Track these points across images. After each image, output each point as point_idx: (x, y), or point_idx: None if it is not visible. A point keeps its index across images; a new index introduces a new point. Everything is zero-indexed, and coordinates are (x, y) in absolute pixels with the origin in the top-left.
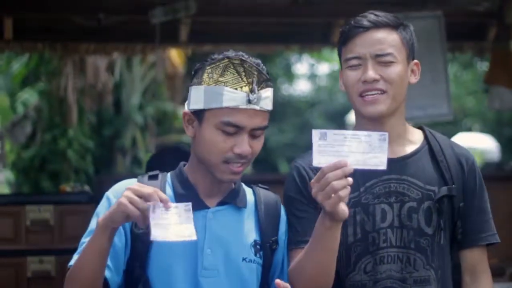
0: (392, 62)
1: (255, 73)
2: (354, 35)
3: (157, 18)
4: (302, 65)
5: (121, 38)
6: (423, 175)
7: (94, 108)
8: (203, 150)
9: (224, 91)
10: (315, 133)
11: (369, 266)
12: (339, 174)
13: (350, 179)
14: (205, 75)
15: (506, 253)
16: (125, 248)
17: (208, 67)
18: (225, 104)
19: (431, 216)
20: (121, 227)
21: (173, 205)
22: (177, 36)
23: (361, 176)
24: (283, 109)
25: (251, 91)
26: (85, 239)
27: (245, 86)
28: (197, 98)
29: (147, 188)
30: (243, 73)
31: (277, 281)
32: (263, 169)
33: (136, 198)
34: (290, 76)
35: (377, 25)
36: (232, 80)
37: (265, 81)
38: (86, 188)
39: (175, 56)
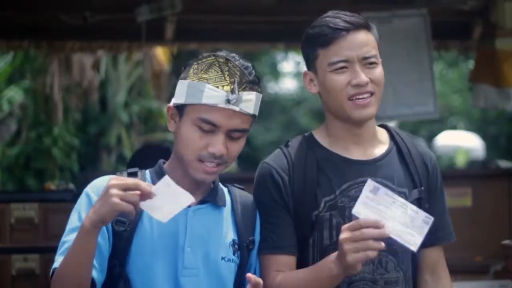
0: (375, 63)
1: (238, 73)
2: (336, 38)
3: (143, 16)
4: (288, 63)
5: (107, 36)
6: (395, 177)
7: (79, 106)
8: (180, 145)
9: (205, 88)
10: (369, 184)
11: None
12: (376, 234)
13: (383, 244)
14: (191, 70)
15: (490, 251)
16: (108, 246)
17: (195, 63)
18: (204, 101)
19: None
20: (104, 227)
21: (155, 187)
22: (162, 34)
23: (336, 179)
24: (269, 107)
25: (232, 91)
26: (66, 238)
27: (227, 85)
28: (180, 92)
29: (129, 180)
30: (227, 73)
31: (249, 275)
32: (249, 168)
33: (124, 193)
34: (276, 74)
35: (356, 27)
36: (215, 78)
37: (249, 83)
38: (71, 186)
39: (161, 54)
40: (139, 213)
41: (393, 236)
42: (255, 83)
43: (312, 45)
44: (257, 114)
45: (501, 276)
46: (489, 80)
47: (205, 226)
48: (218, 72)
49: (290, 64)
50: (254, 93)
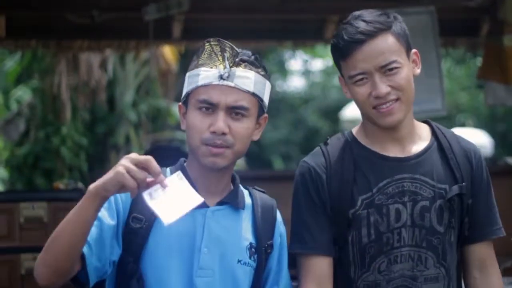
0: (396, 68)
1: (228, 50)
2: (351, 51)
3: (150, 15)
4: (295, 61)
5: (115, 35)
6: (434, 174)
7: (87, 105)
8: (188, 135)
9: (200, 72)
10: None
11: (383, 265)
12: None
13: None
14: (191, 64)
15: (499, 248)
16: (116, 238)
17: (194, 56)
18: (200, 83)
19: (442, 215)
20: (115, 215)
21: (167, 180)
22: (170, 33)
23: (373, 177)
24: (277, 105)
25: (224, 67)
26: None
27: (219, 64)
28: (184, 86)
29: (142, 156)
30: (219, 53)
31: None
32: (257, 166)
33: (133, 167)
34: (283, 73)
35: (371, 35)
36: (209, 60)
37: (244, 61)
38: (80, 185)
39: (168, 53)
40: None
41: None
42: (253, 64)
43: (334, 55)
44: (263, 97)
45: (510, 273)
46: (497, 77)
47: (223, 227)
48: (211, 55)
49: (298, 62)
50: (253, 72)
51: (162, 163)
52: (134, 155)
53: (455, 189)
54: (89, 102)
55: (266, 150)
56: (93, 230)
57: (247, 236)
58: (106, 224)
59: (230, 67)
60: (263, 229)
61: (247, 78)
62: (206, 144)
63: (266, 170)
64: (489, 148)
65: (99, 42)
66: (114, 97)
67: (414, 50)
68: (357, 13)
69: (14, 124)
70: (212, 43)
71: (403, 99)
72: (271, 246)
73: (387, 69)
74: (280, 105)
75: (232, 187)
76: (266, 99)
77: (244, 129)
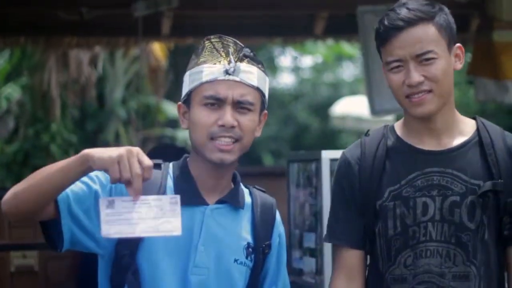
0: (433, 58)
1: (232, 45)
2: (390, 37)
3: (140, 12)
4: (285, 58)
5: (104, 32)
6: (469, 169)
7: (77, 102)
8: (193, 132)
9: (203, 68)
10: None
11: (409, 260)
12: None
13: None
14: (191, 62)
15: None
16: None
17: (193, 54)
18: (204, 79)
19: (474, 211)
20: (103, 192)
21: (152, 198)
22: (159, 29)
23: (403, 169)
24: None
25: (229, 62)
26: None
27: (223, 59)
28: (184, 85)
29: (149, 162)
30: (221, 49)
31: None
32: (247, 162)
33: (136, 163)
34: (273, 69)
35: (411, 23)
36: (211, 57)
37: (246, 56)
38: None
39: (158, 49)
40: None
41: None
42: (254, 59)
43: (376, 41)
44: (265, 92)
45: None
46: (487, 72)
47: (221, 226)
48: (213, 51)
49: (288, 58)
50: (255, 68)
51: (167, 161)
52: (143, 155)
53: (488, 185)
54: (78, 99)
55: (256, 146)
56: (80, 193)
57: (245, 235)
58: (93, 194)
59: (235, 62)
60: (261, 229)
61: (251, 73)
62: (213, 139)
63: (256, 166)
64: None
65: (89, 39)
66: (103, 94)
67: (458, 44)
68: (403, 0)
69: (3, 121)
70: (212, 40)
71: (436, 92)
72: (269, 246)
73: (423, 59)
74: (269, 101)
75: (232, 185)
76: (267, 95)
77: (251, 122)
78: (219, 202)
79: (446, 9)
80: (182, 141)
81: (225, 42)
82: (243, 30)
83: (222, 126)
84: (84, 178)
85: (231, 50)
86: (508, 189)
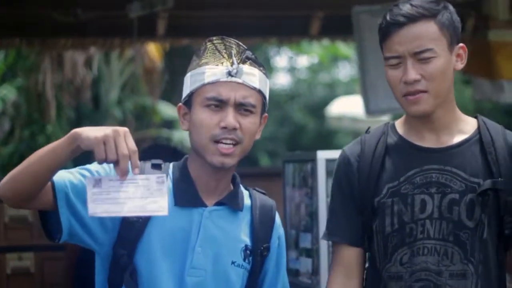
0: (431, 57)
1: (234, 47)
2: (390, 32)
3: (134, 12)
4: (281, 58)
5: (99, 33)
6: (468, 167)
7: (72, 104)
8: (194, 134)
9: (205, 70)
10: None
11: (406, 257)
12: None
13: None
14: (192, 64)
15: None
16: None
17: (194, 55)
18: (206, 81)
19: (473, 209)
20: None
21: (140, 177)
22: (154, 30)
23: (402, 166)
24: None
25: (231, 64)
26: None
27: (226, 61)
28: (185, 87)
29: (133, 144)
30: (224, 50)
31: None
32: (243, 163)
33: (123, 143)
34: (269, 69)
35: (413, 19)
36: (213, 58)
37: (248, 59)
38: None
39: (153, 50)
40: None
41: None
42: (256, 62)
43: (379, 37)
44: (266, 95)
45: None
46: (482, 72)
47: (219, 228)
48: (215, 53)
49: (283, 58)
50: (257, 70)
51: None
52: (129, 136)
53: (488, 183)
54: (74, 100)
55: (252, 147)
56: (78, 185)
57: (243, 238)
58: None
59: (238, 63)
60: (260, 231)
61: (253, 75)
62: (215, 142)
63: (252, 167)
64: None
65: (84, 40)
66: (99, 95)
67: (461, 44)
68: None
69: None
70: (214, 41)
71: (432, 92)
72: (268, 248)
73: (421, 57)
74: None
75: (232, 187)
76: (267, 97)
77: (252, 125)
78: (218, 204)
79: (451, 8)
80: (178, 142)
81: (227, 44)
82: (239, 30)
83: (224, 128)
84: (83, 171)
85: (233, 51)
86: (508, 187)
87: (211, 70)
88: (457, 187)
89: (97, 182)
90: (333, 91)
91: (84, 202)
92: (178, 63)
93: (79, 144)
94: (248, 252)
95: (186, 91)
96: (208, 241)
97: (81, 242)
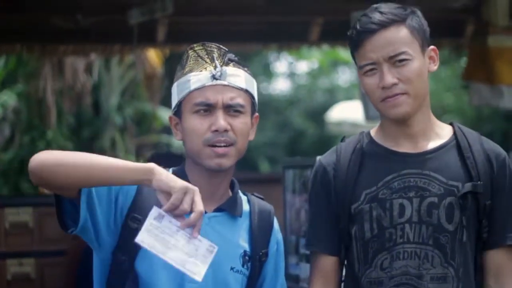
0: (406, 60)
1: (216, 50)
2: (363, 40)
3: (135, 19)
4: (281, 64)
5: (99, 39)
6: (446, 171)
7: (73, 110)
8: (187, 142)
9: (190, 77)
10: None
11: (386, 262)
12: None
13: None
14: (177, 74)
15: None
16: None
17: (179, 65)
18: (192, 87)
19: (453, 213)
20: (118, 211)
21: (198, 236)
22: (154, 36)
23: (379, 172)
24: (262, 108)
25: (215, 67)
26: None
27: (209, 65)
28: (173, 97)
29: (201, 207)
30: (206, 55)
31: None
32: (243, 168)
33: (200, 200)
34: (269, 75)
35: (383, 25)
36: (197, 64)
37: (231, 60)
38: None
39: (153, 56)
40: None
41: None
42: (240, 63)
43: (349, 46)
44: (254, 94)
45: None
46: (482, 77)
47: (218, 234)
48: (198, 59)
49: (283, 64)
50: (242, 71)
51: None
52: (199, 196)
53: (468, 186)
54: (74, 106)
55: (252, 152)
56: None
57: (242, 244)
58: (112, 191)
59: (221, 66)
60: (258, 237)
61: (238, 76)
62: (209, 146)
63: (251, 172)
64: None
65: (84, 46)
66: (99, 101)
67: (432, 47)
68: (375, 5)
69: None
70: (196, 48)
71: (411, 94)
72: (266, 254)
73: (396, 60)
74: (265, 107)
75: (230, 193)
76: (256, 97)
77: (244, 125)
78: (217, 210)
79: (418, 12)
80: (178, 147)
81: (208, 49)
82: (238, 36)
83: (216, 131)
84: None
85: (215, 55)
86: (486, 191)
87: (196, 76)
88: (435, 191)
89: (160, 216)
90: (333, 96)
91: (102, 204)
92: None
93: (151, 180)
94: (246, 258)
95: (174, 101)
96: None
97: (88, 238)
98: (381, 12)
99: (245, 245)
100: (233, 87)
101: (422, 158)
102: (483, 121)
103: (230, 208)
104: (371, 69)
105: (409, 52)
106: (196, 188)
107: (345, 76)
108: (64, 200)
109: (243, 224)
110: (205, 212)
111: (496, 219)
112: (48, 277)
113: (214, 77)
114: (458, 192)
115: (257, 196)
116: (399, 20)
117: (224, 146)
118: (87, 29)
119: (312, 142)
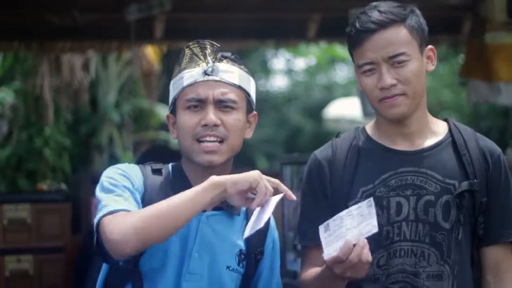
0: (405, 61)
1: (209, 47)
2: (362, 40)
3: (132, 15)
4: (278, 61)
5: (97, 36)
6: (443, 168)
7: (70, 106)
8: (180, 138)
9: (184, 74)
10: (321, 229)
11: (382, 260)
12: (358, 251)
13: (367, 251)
14: (174, 72)
15: None
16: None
17: (176, 64)
18: (185, 83)
19: (449, 211)
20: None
21: (353, 208)
22: (152, 33)
23: (376, 169)
24: (260, 105)
25: (207, 63)
26: (114, 199)
27: (202, 62)
28: (170, 95)
29: (274, 179)
30: (200, 52)
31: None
32: (241, 165)
33: (266, 181)
34: (266, 72)
35: (383, 25)
36: (191, 62)
37: (225, 57)
38: (63, 186)
39: (151, 53)
40: None
41: (355, 239)
42: (235, 61)
43: (347, 44)
44: (249, 92)
45: None
46: (479, 74)
47: (216, 233)
48: (192, 57)
49: (281, 61)
50: (236, 68)
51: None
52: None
53: (465, 184)
54: (72, 103)
55: (250, 149)
56: (133, 202)
57: (239, 242)
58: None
59: (213, 62)
60: (255, 235)
61: (231, 72)
62: (198, 141)
63: (249, 169)
64: None
65: (81, 43)
66: (96, 98)
67: (430, 46)
68: (374, 3)
69: None
70: (191, 46)
71: (409, 94)
72: (262, 252)
73: (395, 61)
74: (263, 104)
75: None
76: (253, 95)
77: (236, 121)
78: (215, 209)
79: (417, 11)
80: (176, 144)
81: (202, 46)
82: (236, 33)
83: (205, 125)
84: (127, 193)
85: (208, 51)
86: (482, 189)
87: (189, 73)
88: (432, 189)
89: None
90: (331, 93)
91: None
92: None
93: (226, 189)
94: (242, 256)
95: (170, 99)
96: (205, 247)
97: None
98: (380, 11)
99: (241, 243)
100: (225, 82)
101: (419, 156)
102: (481, 118)
103: (228, 207)
104: (370, 69)
105: (408, 53)
106: (254, 173)
107: (343, 73)
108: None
109: (241, 222)
110: (204, 211)
111: (492, 216)
112: (46, 274)
113: (206, 73)
114: (454, 190)
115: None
116: (398, 20)
117: (214, 141)
118: (85, 26)
119: (309, 138)
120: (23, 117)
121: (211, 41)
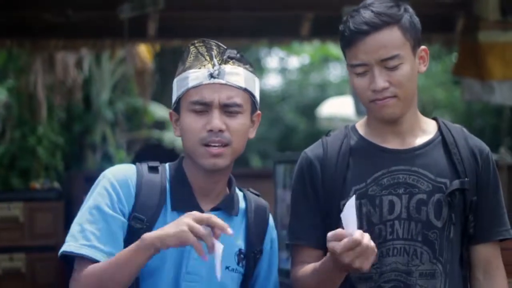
0: (399, 64)
1: (215, 48)
2: (355, 41)
3: (125, 14)
4: (272, 59)
5: (90, 34)
6: (434, 167)
7: (63, 105)
8: (184, 139)
9: (189, 74)
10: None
11: (375, 258)
12: (369, 236)
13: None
14: (178, 69)
15: None
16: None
17: (180, 61)
18: (190, 85)
19: (441, 209)
20: (121, 216)
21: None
22: (145, 31)
23: (368, 168)
24: None
25: (213, 66)
26: (86, 225)
27: (208, 63)
28: (173, 93)
29: (204, 215)
30: (206, 53)
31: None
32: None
33: (197, 225)
34: (260, 70)
35: (376, 27)
36: (196, 62)
37: (232, 59)
38: (56, 185)
39: (144, 51)
40: (158, 211)
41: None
42: (240, 61)
43: (340, 42)
44: (254, 93)
45: None
46: (472, 73)
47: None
48: (198, 56)
49: (274, 59)
50: (241, 68)
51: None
52: (197, 214)
53: (456, 183)
54: (65, 101)
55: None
56: (106, 234)
57: (238, 242)
58: (117, 222)
59: (219, 64)
60: (254, 235)
61: (237, 75)
62: (204, 145)
63: (243, 168)
64: None
65: (75, 41)
66: (90, 96)
67: (423, 47)
68: (368, 1)
69: None
70: (196, 44)
71: (401, 97)
72: (261, 251)
73: (388, 63)
74: None
75: (228, 191)
76: (257, 95)
77: (241, 125)
78: (214, 209)
79: (410, 10)
80: (169, 143)
81: (208, 46)
82: (229, 31)
83: (211, 130)
84: (113, 219)
85: (214, 53)
86: (472, 187)
87: (194, 74)
88: (424, 188)
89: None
90: (324, 92)
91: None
92: (169, 64)
93: (159, 247)
94: (241, 256)
95: (174, 97)
96: (204, 247)
97: None
98: (373, 12)
99: (240, 243)
100: (231, 86)
101: (411, 155)
102: (474, 116)
103: (226, 207)
104: (362, 71)
105: (401, 55)
106: (185, 221)
107: (336, 71)
108: None
109: (240, 222)
110: (203, 211)
111: (482, 215)
112: (39, 272)
113: (211, 76)
114: (446, 189)
115: (252, 192)
116: (392, 22)
117: (219, 146)
118: (78, 24)
119: (303, 137)
120: (16, 115)
121: (217, 42)
